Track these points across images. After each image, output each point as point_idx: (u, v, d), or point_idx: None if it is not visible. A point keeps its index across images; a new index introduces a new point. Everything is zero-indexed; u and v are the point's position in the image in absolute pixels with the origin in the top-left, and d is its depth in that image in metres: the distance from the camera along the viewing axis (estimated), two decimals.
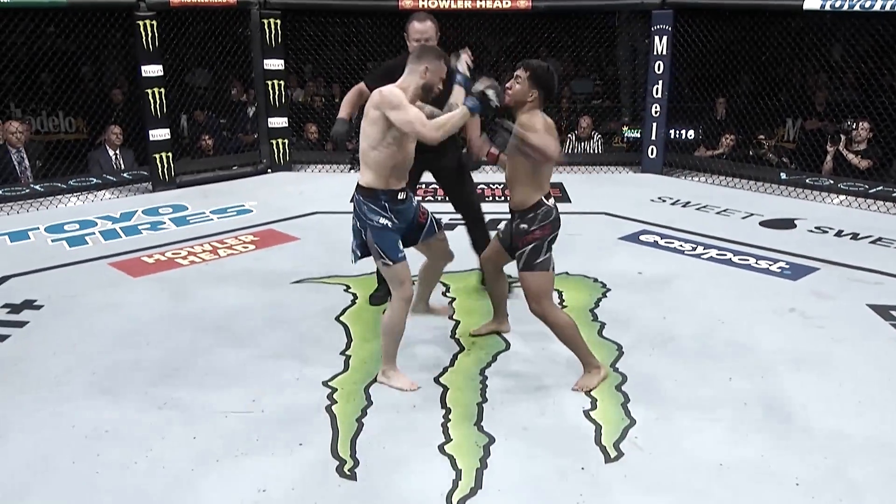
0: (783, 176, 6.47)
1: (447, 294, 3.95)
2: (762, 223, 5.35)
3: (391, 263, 2.86)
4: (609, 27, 7.23)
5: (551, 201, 2.96)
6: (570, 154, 7.46)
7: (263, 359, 3.20)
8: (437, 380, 3.02)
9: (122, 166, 6.83)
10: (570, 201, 5.96)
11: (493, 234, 3.37)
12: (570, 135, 7.69)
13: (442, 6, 6.86)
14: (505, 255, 3.19)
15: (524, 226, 2.92)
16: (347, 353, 3.25)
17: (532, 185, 2.89)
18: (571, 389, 2.97)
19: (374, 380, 3.01)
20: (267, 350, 3.29)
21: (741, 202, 5.94)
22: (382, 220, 2.86)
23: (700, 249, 4.72)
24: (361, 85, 3.75)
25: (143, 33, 6.02)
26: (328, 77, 8.69)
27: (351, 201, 3.02)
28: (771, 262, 4.44)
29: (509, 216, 3.02)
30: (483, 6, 6.64)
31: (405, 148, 2.83)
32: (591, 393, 2.93)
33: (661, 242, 4.88)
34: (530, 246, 2.92)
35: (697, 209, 5.81)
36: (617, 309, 3.74)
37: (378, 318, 3.57)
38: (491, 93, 2.74)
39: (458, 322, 3.58)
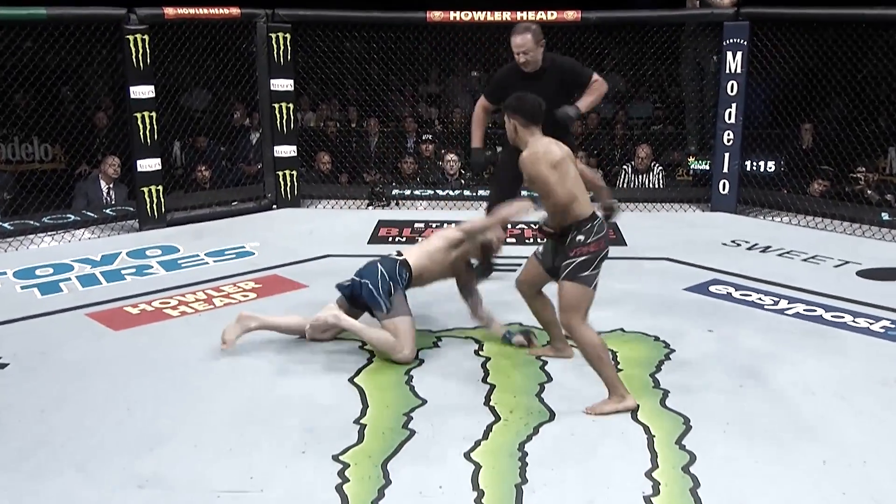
0: (885, 216, 6.40)
1: (480, 353, 3.95)
2: (860, 273, 5.29)
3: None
4: (672, 41, 7.31)
5: (601, 214, 3.52)
6: (625, 189, 7.48)
7: (264, 427, 3.22)
8: (468, 456, 3.02)
9: (114, 202, 7.01)
10: (626, 244, 5.96)
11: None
12: (625, 166, 7.73)
13: (476, 18, 7.02)
14: (544, 276, 3.65)
15: (581, 237, 3.36)
16: (362, 421, 3.26)
17: (581, 203, 3.39)
18: (583, 412, 3.32)
19: (393, 454, 3.00)
20: (268, 417, 3.31)
21: (834, 247, 5.89)
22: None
23: (783, 304, 4.68)
24: (483, 101, 4.76)
25: (133, 49, 6.23)
26: (344, 99, 8.89)
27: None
28: (872, 321, 4.38)
29: (550, 238, 3.53)
30: (524, 18, 6.77)
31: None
32: (654, 475, 2.89)
33: (736, 295, 4.84)
34: (582, 258, 3.35)
35: (780, 255, 5.76)
36: (682, 374, 3.71)
37: (398, 380, 3.59)
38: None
39: (492, 386, 3.57)
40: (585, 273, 3.33)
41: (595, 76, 4.61)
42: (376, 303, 3.80)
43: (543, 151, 3.36)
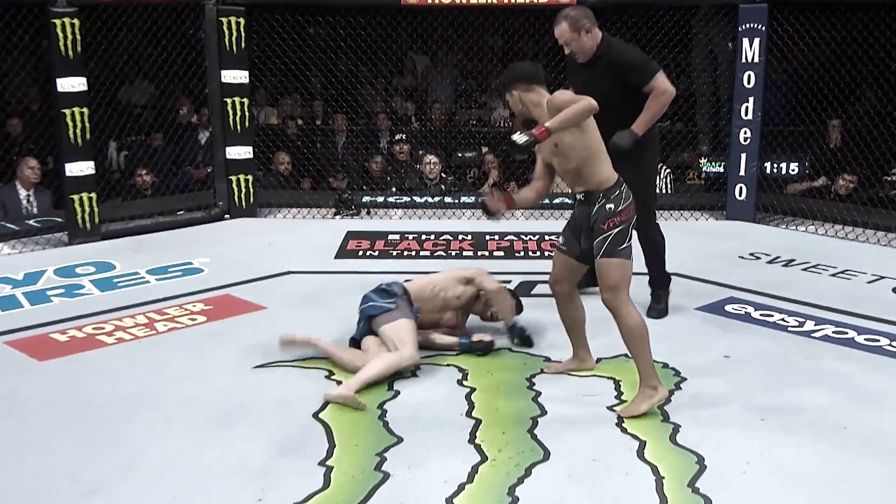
0: None
1: (464, 383, 3.95)
2: None
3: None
4: (681, 26, 7.38)
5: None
6: None
7: (214, 471, 3.20)
8: (450, 502, 3.01)
9: (35, 211, 6.96)
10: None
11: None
12: None
13: (458, 1, 7.05)
14: (577, 266, 3.84)
15: (611, 206, 3.53)
16: (328, 463, 3.24)
17: (603, 160, 3.57)
18: (617, 416, 3.53)
19: (364, 502, 2.99)
20: (219, 458, 3.29)
21: (867, 261, 5.96)
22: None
23: (809, 325, 4.71)
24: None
25: (61, 35, 6.21)
26: (307, 93, 8.90)
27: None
28: None
29: (576, 209, 3.70)
30: (512, 1, 6.82)
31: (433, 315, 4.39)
32: None
33: (755, 315, 4.88)
34: (617, 229, 3.53)
35: (805, 269, 5.81)
36: (695, 406, 3.72)
37: (370, 415, 3.58)
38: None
39: (478, 421, 3.57)
40: (623, 245, 3.56)
41: (658, 79, 4.40)
42: (378, 308, 4.08)
43: (566, 95, 3.53)
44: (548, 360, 4.20)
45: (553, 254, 4.01)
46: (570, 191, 3.78)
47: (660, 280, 4.87)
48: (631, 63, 4.43)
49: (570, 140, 3.52)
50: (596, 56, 4.47)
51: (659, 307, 4.81)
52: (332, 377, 3.97)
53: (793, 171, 7.38)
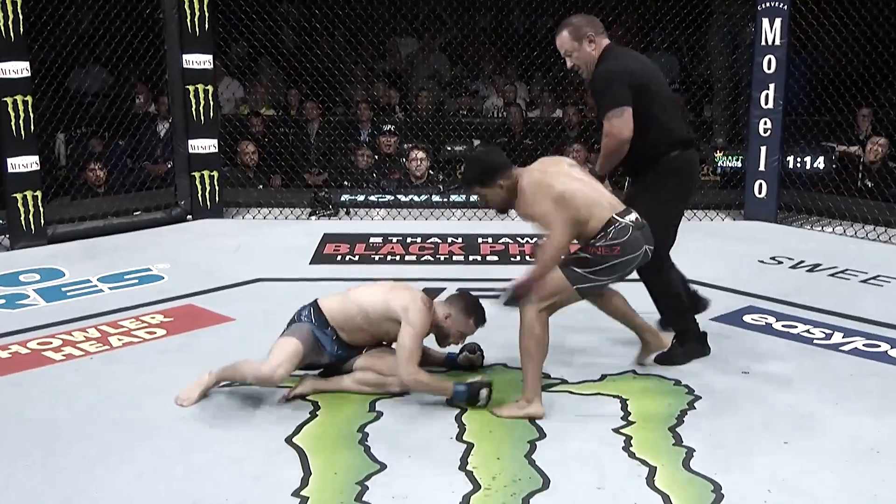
0: None
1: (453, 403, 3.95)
2: None
3: None
4: (697, 4, 7.40)
5: (629, 218, 3.82)
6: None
7: (174, 503, 3.20)
8: None
9: None
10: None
11: None
12: None
13: None
14: None
15: (593, 241, 3.81)
16: (303, 493, 3.24)
17: (589, 218, 3.80)
18: (492, 413, 3.79)
19: None
20: (180, 489, 3.27)
21: None
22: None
23: (837, 338, 4.73)
24: None
25: (0, 14, 6.18)
26: (284, 79, 8.88)
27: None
28: None
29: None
30: None
31: (373, 336, 4.04)
32: None
33: (777, 326, 4.89)
34: (584, 254, 3.80)
35: (832, 275, 5.83)
36: (711, 428, 3.73)
37: (349, 439, 3.57)
38: (483, 393, 3.86)
39: (470, 445, 3.57)
40: (578, 269, 3.80)
41: (609, 118, 4.10)
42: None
43: (539, 189, 3.80)
44: (547, 376, 4.20)
45: None
46: None
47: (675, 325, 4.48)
48: (597, 85, 4.20)
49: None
50: (594, 72, 4.23)
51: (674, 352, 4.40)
52: (308, 397, 3.96)
53: (818, 165, 7.39)
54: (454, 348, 4.24)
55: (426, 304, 3.91)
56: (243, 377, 3.93)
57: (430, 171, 8.18)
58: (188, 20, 6.99)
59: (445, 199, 7.72)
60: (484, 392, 3.87)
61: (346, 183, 8.16)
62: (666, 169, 4.23)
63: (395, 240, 6.72)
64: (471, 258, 6.33)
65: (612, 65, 4.18)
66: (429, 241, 6.74)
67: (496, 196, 3.92)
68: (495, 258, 6.33)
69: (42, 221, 6.53)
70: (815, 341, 4.68)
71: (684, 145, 4.28)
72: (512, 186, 3.87)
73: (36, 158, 6.47)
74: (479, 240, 6.75)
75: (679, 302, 4.42)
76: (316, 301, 4.03)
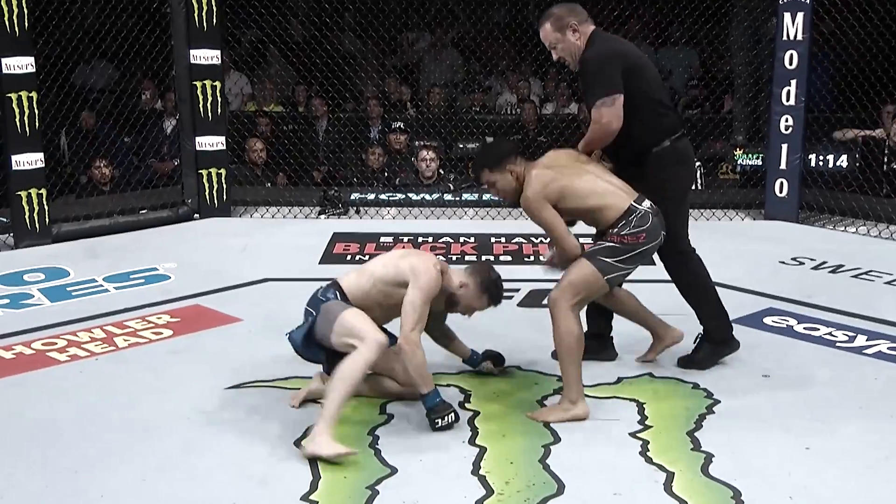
0: None
1: (467, 405, 3.95)
2: None
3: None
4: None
5: (646, 205, 3.87)
6: None
7: None
8: None
9: None
10: (654, 263, 5.97)
11: None
12: None
13: None
14: None
15: (614, 230, 3.86)
16: (313, 497, 3.24)
17: (605, 207, 3.89)
18: (525, 415, 3.78)
19: None
20: (186, 493, 3.28)
21: None
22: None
23: (861, 340, 4.71)
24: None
25: (6, 9, 6.21)
26: (293, 74, 8.90)
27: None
28: None
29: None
30: None
31: (387, 312, 3.85)
32: None
33: (798, 329, 4.88)
34: (610, 244, 3.84)
35: (855, 277, 5.81)
36: (730, 433, 3.71)
37: (359, 442, 3.57)
38: (448, 419, 3.70)
39: (483, 450, 3.57)
40: (607, 259, 3.84)
41: (598, 106, 3.97)
42: (304, 328, 3.80)
43: (541, 186, 3.88)
44: (561, 379, 4.19)
45: None
46: None
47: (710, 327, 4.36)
48: (585, 76, 4.06)
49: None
50: (581, 60, 4.08)
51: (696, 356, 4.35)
52: (318, 399, 3.96)
53: (842, 164, 7.36)
54: (479, 347, 4.25)
55: (437, 268, 3.78)
56: (340, 394, 3.55)
57: (441, 171, 8.18)
58: (195, 14, 7.01)
59: (457, 198, 7.72)
60: (450, 417, 3.69)
61: (355, 181, 8.17)
62: (670, 158, 4.14)
63: (405, 239, 6.73)
64: (483, 258, 6.32)
65: (600, 48, 4.05)
66: (440, 240, 6.74)
67: (506, 184, 3.96)
68: (508, 258, 6.32)
69: (47, 220, 6.55)
70: (837, 344, 4.66)
71: (682, 131, 4.23)
72: (521, 175, 3.93)
73: (41, 156, 6.50)
74: (492, 239, 6.75)
75: (710, 294, 4.34)
76: (336, 281, 3.89)
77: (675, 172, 4.19)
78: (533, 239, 6.74)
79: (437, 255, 6.22)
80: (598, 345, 4.38)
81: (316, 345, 3.76)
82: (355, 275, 3.91)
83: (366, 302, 3.81)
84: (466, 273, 3.93)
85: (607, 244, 3.85)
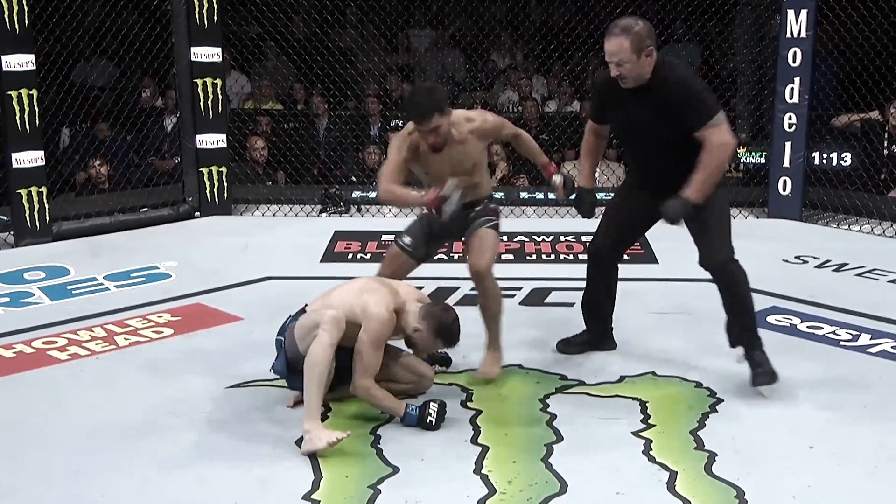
0: None
1: (469, 404, 3.95)
2: None
3: None
4: None
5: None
6: None
7: None
8: None
9: None
10: (658, 262, 5.99)
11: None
12: None
13: None
14: (410, 270, 4.38)
15: (493, 205, 4.33)
16: (315, 496, 3.24)
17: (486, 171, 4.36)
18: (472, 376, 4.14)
19: None
20: (188, 493, 3.28)
21: None
22: None
23: (864, 339, 4.71)
24: (591, 125, 4.32)
25: (6, 6, 6.21)
26: (295, 72, 8.89)
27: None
28: None
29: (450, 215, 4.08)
30: None
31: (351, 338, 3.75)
32: None
33: (802, 327, 4.88)
34: (498, 220, 4.28)
35: (859, 275, 5.81)
36: (733, 432, 3.72)
37: (362, 441, 3.58)
38: (433, 409, 3.73)
39: (485, 449, 3.57)
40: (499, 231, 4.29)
41: (715, 124, 3.85)
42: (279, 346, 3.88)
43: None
44: (563, 377, 4.21)
45: (394, 252, 4.37)
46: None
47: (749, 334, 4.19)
48: (686, 98, 3.88)
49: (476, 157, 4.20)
50: (648, 83, 3.92)
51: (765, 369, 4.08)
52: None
53: (845, 161, 7.36)
54: (480, 346, 4.26)
55: (389, 311, 3.74)
56: (312, 386, 3.57)
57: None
58: (196, 12, 7.01)
59: None
60: (433, 409, 3.72)
61: (355, 179, 8.17)
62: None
63: None
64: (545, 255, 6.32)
65: (683, 72, 4.05)
66: None
67: (447, 127, 4.07)
68: (510, 256, 6.32)
69: (47, 218, 6.56)
70: (841, 343, 4.66)
71: None
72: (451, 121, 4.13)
73: (41, 153, 6.50)
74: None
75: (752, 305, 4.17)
76: (304, 308, 3.90)
77: (721, 192, 4.10)
78: (535, 237, 6.74)
79: (439, 253, 6.23)
80: (603, 338, 4.48)
81: (298, 372, 3.68)
82: (321, 301, 3.88)
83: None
84: (420, 317, 3.79)
85: (497, 220, 4.28)
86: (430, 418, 3.72)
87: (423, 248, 4.36)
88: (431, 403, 3.75)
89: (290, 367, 3.80)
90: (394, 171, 4.12)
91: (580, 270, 5.74)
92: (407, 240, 4.35)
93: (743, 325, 4.13)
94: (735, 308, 4.13)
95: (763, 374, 4.03)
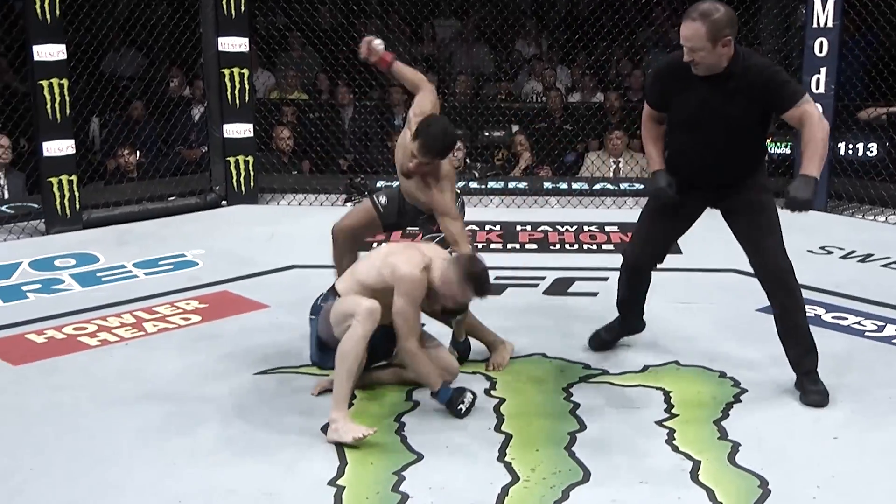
0: None
1: (492, 393, 3.95)
2: None
3: None
4: None
5: None
6: None
7: (209, 491, 3.22)
8: None
9: (6, 196, 7.01)
10: (681, 252, 5.97)
11: None
12: None
13: None
14: (374, 231, 4.62)
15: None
16: (339, 482, 3.25)
17: None
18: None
19: None
20: (215, 476, 3.31)
21: None
22: None
23: (890, 329, 4.68)
24: (650, 112, 4.03)
25: None
26: (321, 62, 8.90)
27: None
28: None
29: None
30: None
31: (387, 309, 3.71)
32: None
33: (827, 318, 4.85)
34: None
35: (885, 266, 5.77)
36: (757, 421, 3.70)
37: (386, 428, 3.58)
38: (467, 399, 3.70)
39: (508, 437, 3.57)
40: None
41: (805, 102, 3.72)
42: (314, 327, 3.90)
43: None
44: (587, 366, 4.19)
45: (367, 205, 4.51)
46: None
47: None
48: (773, 81, 3.74)
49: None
50: (727, 72, 3.74)
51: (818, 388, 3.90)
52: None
53: (871, 152, 7.29)
54: (506, 336, 4.24)
55: (419, 270, 3.72)
56: (343, 375, 3.56)
57: (467, 160, 8.17)
58: (224, 3, 7.02)
59: (483, 186, 7.71)
60: (468, 398, 3.71)
61: (380, 168, 8.17)
62: (766, 181, 4.09)
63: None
64: (509, 246, 6.32)
65: (764, 58, 3.96)
66: (466, 228, 6.72)
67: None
68: (534, 246, 6.31)
69: (77, 206, 6.60)
70: (866, 334, 4.63)
71: None
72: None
73: (71, 142, 6.54)
74: (518, 227, 6.73)
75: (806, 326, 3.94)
76: (333, 286, 3.92)
77: (770, 196, 4.04)
78: (558, 227, 6.72)
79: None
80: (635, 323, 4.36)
81: (330, 350, 3.71)
82: (348, 277, 3.89)
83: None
84: (448, 266, 3.75)
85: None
86: (461, 406, 3.70)
87: (394, 216, 4.45)
88: (467, 393, 3.74)
89: (322, 346, 3.81)
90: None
91: (603, 260, 5.78)
92: (383, 199, 4.45)
93: (806, 343, 3.90)
94: (794, 324, 3.89)
95: (818, 392, 3.85)
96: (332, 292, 3.88)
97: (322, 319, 3.81)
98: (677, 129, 3.97)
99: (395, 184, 4.53)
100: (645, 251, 4.13)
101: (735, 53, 3.74)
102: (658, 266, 4.19)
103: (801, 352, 3.91)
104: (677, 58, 3.79)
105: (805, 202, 3.63)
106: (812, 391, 3.87)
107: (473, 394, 3.76)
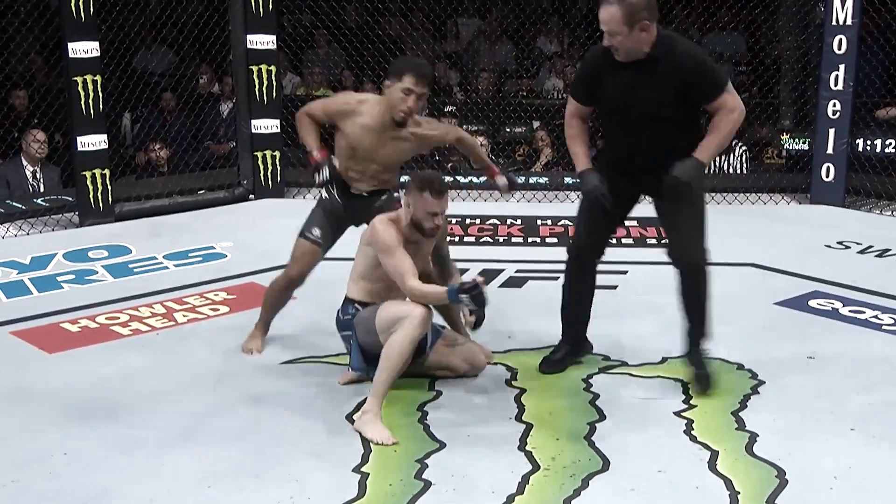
0: None
1: (513, 383, 3.95)
2: None
3: None
4: None
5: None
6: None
7: (237, 480, 3.24)
8: None
9: (42, 189, 7.07)
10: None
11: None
12: None
13: None
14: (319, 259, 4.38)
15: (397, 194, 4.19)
16: (364, 469, 3.26)
17: None
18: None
19: None
20: (243, 463, 3.32)
21: None
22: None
23: None
24: (570, 103, 3.97)
25: None
26: (346, 59, 8.91)
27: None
28: None
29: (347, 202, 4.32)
30: None
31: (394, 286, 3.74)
32: None
33: (844, 311, 4.82)
34: None
35: None
36: (775, 413, 3.69)
37: (409, 417, 3.59)
38: (469, 298, 3.51)
39: (529, 426, 3.57)
40: None
41: (729, 93, 3.70)
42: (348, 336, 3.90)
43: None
44: (606, 358, 4.19)
45: (306, 247, 4.32)
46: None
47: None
48: (698, 68, 3.67)
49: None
50: (651, 57, 3.66)
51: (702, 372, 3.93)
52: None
53: (889, 148, 7.24)
54: (525, 326, 4.21)
55: (386, 220, 3.75)
56: (387, 374, 3.57)
57: (491, 157, 8.16)
58: (252, 1, 7.05)
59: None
60: (472, 287, 3.50)
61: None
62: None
63: (453, 221, 6.72)
64: (530, 240, 6.31)
65: (692, 46, 3.82)
66: (487, 222, 6.73)
67: (424, 105, 4.12)
68: (554, 240, 6.30)
69: (110, 199, 6.65)
70: (883, 327, 4.60)
71: None
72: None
73: (104, 137, 6.59)
74: (539, 222, 6.72)
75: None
76: (346, 296, 3.96)
77: (702, 195, 3.94)
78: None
79: (483, 236, 6.19)
80: (581, 344, 4.22)
81: (375, 358, 3.68)
82: (352, 282, 3.94)
83: (379, 295, 3.83)
84: (404, 195, 3.78)
85: None
86: (471, 291, 3.49)
87: (331, 236, 4.36)
88: (473, 284, 3.53)
89: (368, 359, 3.79)
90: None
91: (622, 254, 5.76)
92: (316, 232, 4.31)
93: (701, 325, 3.92)
94: (696, 310, 3.90)
95: (705, 377, 3.87)
96: (349, 302, 3.90)
97: (361, 329, 3.80)
98: (605, 117, 3.95)
99: (325, 194, 4.43)
100: (588, 241, 4.04)
101: (658, 38, 3.66)
102: (601, 258, 4.07)
103: (694, 330, 3.91)
104: (599, 50, 3.76)
105: (683, 184, 3.65)
106: (702, 376, 3.86)
107: (477, 284, 3.52)
